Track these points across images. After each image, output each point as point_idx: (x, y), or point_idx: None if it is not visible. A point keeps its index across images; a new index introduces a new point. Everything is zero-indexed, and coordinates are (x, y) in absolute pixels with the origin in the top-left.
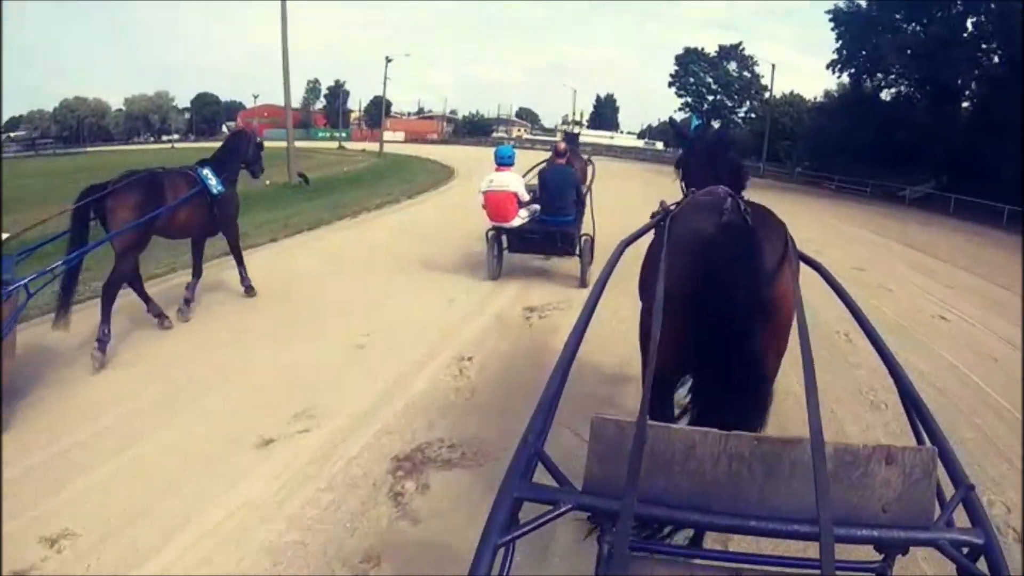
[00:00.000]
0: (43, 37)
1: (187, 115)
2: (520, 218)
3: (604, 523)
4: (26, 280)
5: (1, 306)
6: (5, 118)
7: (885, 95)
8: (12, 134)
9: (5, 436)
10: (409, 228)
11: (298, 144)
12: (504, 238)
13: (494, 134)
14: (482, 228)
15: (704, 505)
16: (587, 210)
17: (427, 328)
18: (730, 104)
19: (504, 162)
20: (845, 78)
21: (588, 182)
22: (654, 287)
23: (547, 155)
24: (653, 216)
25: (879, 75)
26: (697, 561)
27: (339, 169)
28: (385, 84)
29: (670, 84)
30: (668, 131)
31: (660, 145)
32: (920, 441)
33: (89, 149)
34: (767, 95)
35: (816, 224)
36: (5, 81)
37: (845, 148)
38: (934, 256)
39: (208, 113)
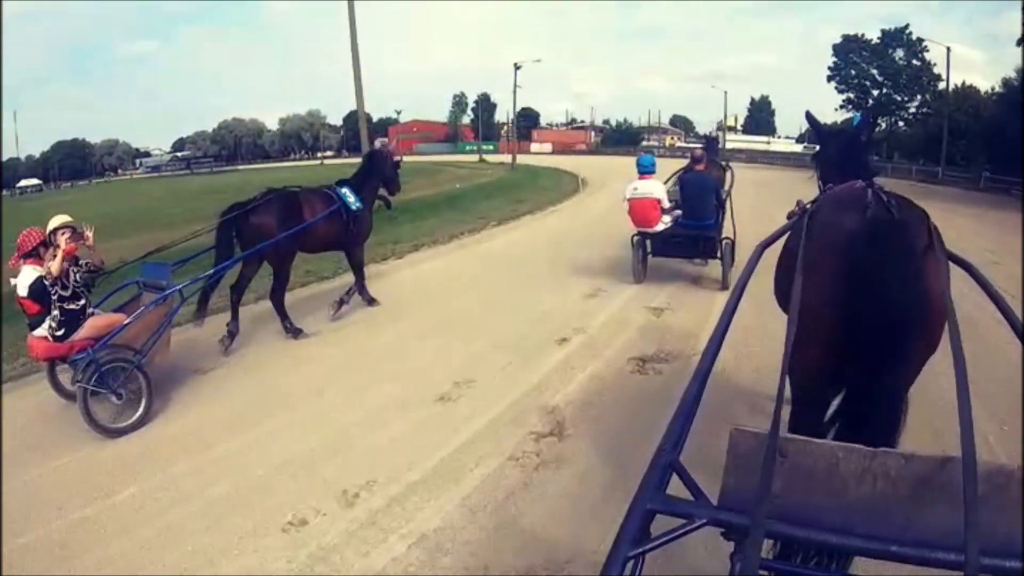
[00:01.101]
0: (206, 61)
1: (340, 133)
2: (663, 223)
3: (738, 540)
4: (181, 286)
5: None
6: (173, 139)
7: None
8: (179, 154)
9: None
10: (447, 285)
11: (439, 158)
12: (648, 242)
13: (643, 143)
14: (581, 288)
15: (845, 526)
16: (727, 214)
17: None
18: (898, 98)
19: (646, 170)
20: None
21: (727, 187)
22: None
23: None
24: (790, 216)
25: None
26: None
27: (453, 186)
28: (515, 92)
29: (829, 79)
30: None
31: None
32: None
33: (241, 167)
34: (941, 85)
35: None
36: (177, 104)
37: None
38: None
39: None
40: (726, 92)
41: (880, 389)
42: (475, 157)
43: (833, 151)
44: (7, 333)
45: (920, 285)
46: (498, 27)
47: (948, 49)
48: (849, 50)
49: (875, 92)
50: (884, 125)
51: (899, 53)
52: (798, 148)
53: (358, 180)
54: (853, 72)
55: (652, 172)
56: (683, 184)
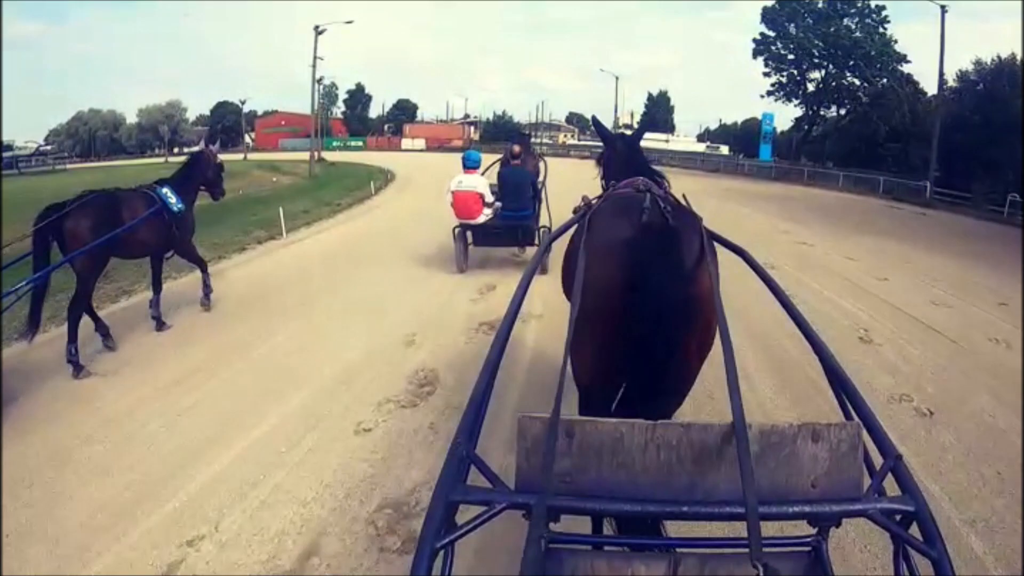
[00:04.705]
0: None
1: (202, 126)
2: (485, 215)
3: None
4: None
5: None
6: (46, 132)
7: None
8: (45, 147)
9: None
10: None
11: (286, 156)
12: (469, 234)
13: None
14: None
15: (635, 494)
16: (543, 204)
17: None
18: (849, 82)
19: (471, 165)
20: None
21: (541, 178)
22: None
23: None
24: (576, 211)
25: None
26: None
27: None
28: (315, 62)
29: (755, 54)
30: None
31: (725, 149)
32: (847, 416)
33: (74, 165)
34: (904, 68)
35: None
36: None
37: None
38: None
39: (229, 123)
40: (617, 78)
41: (653, 385)
42: (336, 154)
43: (614, 153)
44: None
45: (690, 288)
46: (391, 19)
47: (943, 8)
48: (788, 15)
49: (815, 75)
50: (828, 117)
51: (851, 24)
52: (700, 147)
53: (179, 180)
54: (791, 46)
55: (477, 167)
56: (502, 178)
